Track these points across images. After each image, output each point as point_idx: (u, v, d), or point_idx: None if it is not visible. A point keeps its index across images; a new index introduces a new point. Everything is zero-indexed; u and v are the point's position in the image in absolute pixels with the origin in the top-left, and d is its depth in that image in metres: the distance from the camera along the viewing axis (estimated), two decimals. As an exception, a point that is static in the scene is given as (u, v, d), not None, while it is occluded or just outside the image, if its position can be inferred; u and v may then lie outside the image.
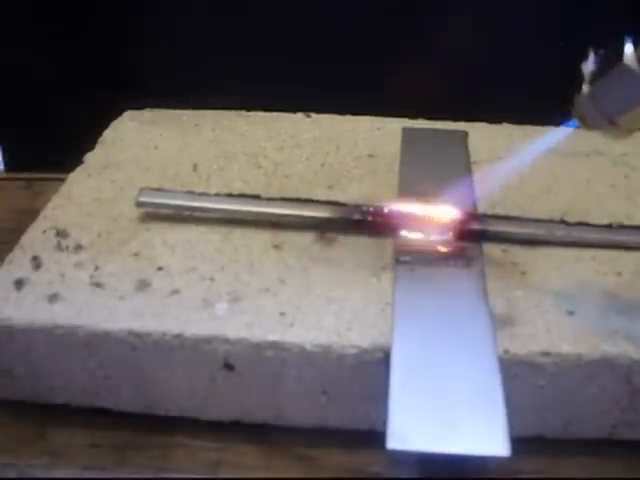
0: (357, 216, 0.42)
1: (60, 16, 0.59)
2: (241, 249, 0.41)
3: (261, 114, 0.56)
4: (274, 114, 0.55)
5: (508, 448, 0.30)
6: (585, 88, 0.34)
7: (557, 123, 0.53)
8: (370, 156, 0.50)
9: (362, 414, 0.37)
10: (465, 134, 0.52)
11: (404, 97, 0.56)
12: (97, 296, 0.38)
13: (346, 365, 0.35)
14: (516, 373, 0.35)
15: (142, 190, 0.44)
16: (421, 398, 0.32)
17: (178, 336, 0.36)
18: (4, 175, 0.63)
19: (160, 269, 0.40)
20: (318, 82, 0.59)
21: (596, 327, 0.36)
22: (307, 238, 0.42)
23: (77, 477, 0.36)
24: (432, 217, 0.41)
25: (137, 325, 0.36)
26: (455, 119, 0.54)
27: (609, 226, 0.43)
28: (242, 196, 0.44)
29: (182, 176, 0.48)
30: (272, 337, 0.35)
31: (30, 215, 0.44)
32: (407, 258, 0.40)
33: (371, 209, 0.43)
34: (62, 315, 0.37)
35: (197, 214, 0.44)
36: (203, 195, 0.44)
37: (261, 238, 0.42)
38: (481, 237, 0.41)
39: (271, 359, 0.35)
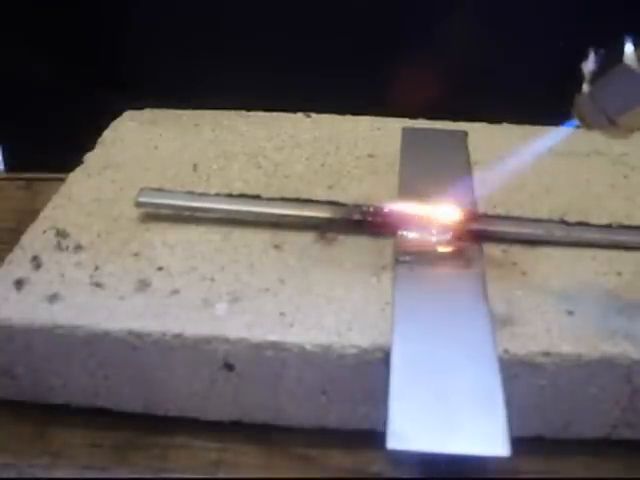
0: (357, 216, 0.42)
1: (60, 16, 0.59)
2: (241, 249, 0.41)
3: (261, 114, 0.56)
4: (274, 114, 0.55)
5: (508, 448, 0.30)
6: (585, 88, 0.34)
7: (557, 123, 0.53)
8: (370, 156, 0.50)
9: (362, 414, 0.37)
10: (465, 134, 0.52)
11: (404, 97, 0.56)
12: (97, 296, 0.38)
13: (346, 365, 0.35)
14: (516, 373, 0.35)
15: (142, 190, 0.44)
16: (421, 398, 0.32)
17: (178, 336, 0.36)
18: (4, 175, 0.63)
19: (160, 269, 0.40)
20: (318, 82, 0.59)
21: (596, 327, 0.36)
22: (307, 238, 0.42)
23: (77, 477, 0.36)
24: (432, 217, 0.41)
25: (137, 325, 0.36)
26: (455, 119, 0.54)
27: (609, 226, 0.43)
28: (242, 196, 0.44)
29: (182, 176, 0.48)
30: (272, 337, 0.35)
31: (30, 215, 0.44)
32: (407, 258, 0.40)
33: (371, 209, 0.43)
34: (62, 315, 0.37)
35: (197, 214, 0.44)
36: (203, 195, 0.44)
37: (261, 238, 0.42)
38: (481, 237, 0.41)
39: (271, 359, 0.35)
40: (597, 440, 0.37)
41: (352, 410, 0.37)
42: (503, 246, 0.41)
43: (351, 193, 0.46)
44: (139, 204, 0.43)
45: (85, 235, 0.42)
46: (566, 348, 0.35)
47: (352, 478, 0.36)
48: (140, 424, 0.38)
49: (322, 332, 0.36)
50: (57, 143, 0.56)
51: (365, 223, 0.42)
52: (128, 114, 0.55)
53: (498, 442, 0.30)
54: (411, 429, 0.31)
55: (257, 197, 0.44)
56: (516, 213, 0.44)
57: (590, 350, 0.35)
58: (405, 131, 0.52)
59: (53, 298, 0.37)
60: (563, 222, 0.43)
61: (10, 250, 0.41)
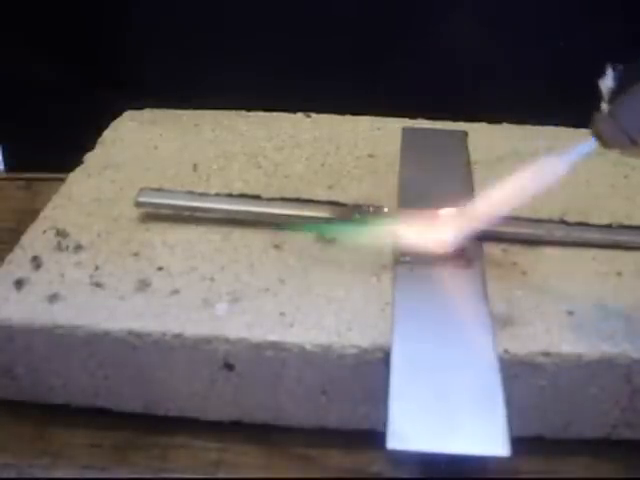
0: (357, 216, 0.42)
1: (60, 16, 0.59)
2: (241, 249, 0.41)
3: (261, 114, 0.55)
4: (274, 114, 0.55)
5: (508, 448, 0.30)
6: (604, 106, 0.33)
7: (557, 123, 0.53)
8: (370, 156, 0.50)
9: (362, 414, 0.37)
10: (465, 134, 0.52)
11: (404, 97, 0.56)
12: (97, 296, 0.38)
13: (346, 365, 0.35)
14: (516, 373, 0.35)
15: (142, 190, 0.44)
16: (421, 398, 0.32)
17: (178, 336, 0.36)
18: (4, 175, 0.63)
19: (160, 269, 0.40)
20: (318, 82, 0.59)
21: (596, 327, 0.36)
22: (307, 238, 0.42)
23: (77, 477, 0.36)
24: (432, 217, 0.41)
25: (137, 325, 0.36)
26: (455, 119, 0.54)
27: (609, 226, 0.43)
28: (242, 196, 0.44)
29: (182, 176, 0.48)
30: (272, 337, 0.35)
31: (30, 215, 0.44)
32: (407, 258, 0.40)
33: (371, 209, 0.43)
34: (62, 315, 0.37)
35: (197, 214, 0.44)
36: (203, 195, 0.44)
37: (261, 238, 0.42)
38: (481, 237, 0.41)
39: (271, 359, 0.35)
40: (597, 440, 0.37)
41: (352, 410, 0.37)
42: (503, 246, 0.41)
43: (351, 193, 0.46)
44: (139, 204, 0.43)
45: (85, 235, 0.42)
46: (566, 348, 0.35)
47: (352, 478, 0.36)
48: (140, 424, 0.38)
49: (322, 332, 0.36)
50: (57, 143, 0.56)
51: (365, 223, 0.42)
52: (128, 114, 0.55)
53: (498, 442, 0.30)
54: (411, 429, 0.31)
55: (257, 197, 0.44)
56: (516, 213, 0.43)
57: (590, 350, 0.35)
58: (405, 131, 0.52)
59: (53, 298, 0.37)
60: (563, 222, 0.43)
61: (10, 250, 0.41)
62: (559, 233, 0.42)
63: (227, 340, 0.35)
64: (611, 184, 0.47)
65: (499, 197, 0.38)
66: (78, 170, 0.49)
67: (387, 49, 0.59)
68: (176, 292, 0.38)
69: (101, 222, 0.43)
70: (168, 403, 0.38)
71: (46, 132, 0.61)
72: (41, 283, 0.39)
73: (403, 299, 0.37)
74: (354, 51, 0.59)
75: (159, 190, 0.45)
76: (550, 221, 0.43)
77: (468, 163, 0.48)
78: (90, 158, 0.50)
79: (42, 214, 0.44)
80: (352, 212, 0.43)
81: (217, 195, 0.45)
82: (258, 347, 0.35)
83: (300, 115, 0.55)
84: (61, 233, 0.42)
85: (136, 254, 0.41)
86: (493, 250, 0.41)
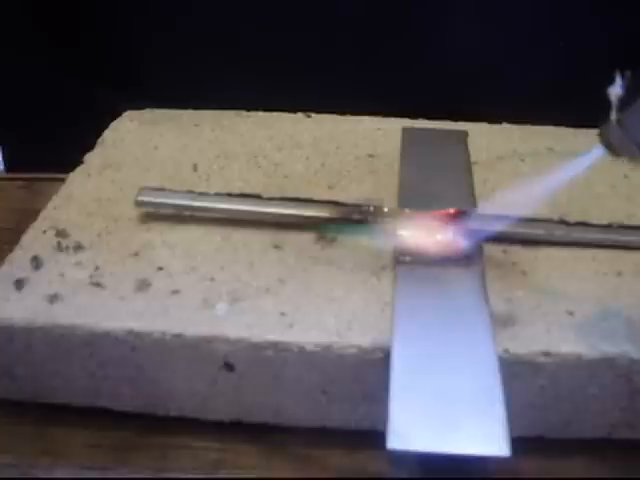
0: (357, 216, 0.42)
1: (60, 16, 0.59)
2: (241, 249, 0.41)
3: (261, 114, 0.55)
4: (274, 114, 0.55)
5: (508, 448, 0.30)
6: (613, 115, 0.33)
7: (557, 123, 0.53)
8: (370, 156, 0.50)
9: (362, 414, 0.37)
10: (465, 134, 0.52)
11: (404, 97, 0.56)
12: (97, 296, 0.38)
13: (346, 365, 0.35)
14: (516, 373, 0.35)
15: (142, 190, 0.44)
16: (421, 398, 0.32)
17: (178, 336, 0.36)
18: (4, 175, 0.63)
19: (160, 269, 0.40)
20: (318, 82, 0.59)
21: (596, 327, 0.36)
22: (307, 238, 0.42)
23: (77, 477, 0.36)
24: (432, 217, 0.41)
25: (137, 325, 0.36)
26: (455, 119, 0.54)
27: (609, 226, 0.43)
28: (242, 196, 0.44)
29: (182, 176, 0.48)
30: (272, 337, 0.35)
31: (30, 215, 0.44)
32: (407, 258, 0.40)
33: (371, 209, 0.43)
34: (62, 315, 0.37)
35: (197, 214, 0.44)
36: (203, 195, 0.44)
37: (261, 238, 0.42)
38: (481, 237, 0.41)
39: (271, 359, 0.35)
40: (597, 440, 0.37)
41: (352, 410, 0.37)
42: (503, 246, 0.41)
43: (351, 193, 0.46)
44: (139, 203, 0.44)
45: (85, 235, 0.42)
46: (566, 348, 0.35)
47: (352, 478, 0.36)
48: (140, 424, 0.38)
49: (322, 332, 0.36)
50: (57, 143, 0.56)
51: (365, 223, 0.42)
52: (128, 114, 0.55)
53: (498, 442, 0.30)
54: (411, 429, 0.30)
55: (257, 197, 0.44)
56: (516, 213, 0.43)
57: (590, 350, 0.35)
58: (405, 131, 0.52)
59: (53, 298, 0.37)
60: (563, 222, 0.43)
61: (10, 250, 0.41)
62: (559, 233, 0.42)
63: (227, 340, 0.35)
64: (611, 184, 0.47)
65: (507, 201, 0.38)
66: (78, 170, 0.49)
67: (387, 49, 0.59)
68: (176, 292, 0.38)
69: (101, 222, 0.43)
70: (168, 403, 0.38)
71: (46, 132, 0.61)
72: (41, 283, 0.39)
73: (403, 299, 0.37)
74: (354, 51, 0.59)
75: (159, 190, 0.45)
76: (550, 221, 0.43)
77: (468, 163, 0.48)
78: (90, 158, 0.50)
79: (42, 214, 0.44)
80: (352, 212, 0.43)
81: (217, 195, 0.45)
82: (258, 347, 0.35)
83: (300, 115, 0.55)
84: (61, 233, 0.42)
85: (136, 254, 0.41)
86: (493, 250, 0.41)
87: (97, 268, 0.40)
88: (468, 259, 0.39)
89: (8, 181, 0.59)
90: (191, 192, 0.45)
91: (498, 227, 0.41)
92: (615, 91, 0.33)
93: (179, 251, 0.41)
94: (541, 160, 0.49)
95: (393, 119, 0.54)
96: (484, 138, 0.52)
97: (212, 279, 0.39)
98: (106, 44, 0.61)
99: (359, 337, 0.35)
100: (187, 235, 0.42)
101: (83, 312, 0.37)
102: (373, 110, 0.54)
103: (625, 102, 0.33)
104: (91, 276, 0.39)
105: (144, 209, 0.44)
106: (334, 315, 0.36)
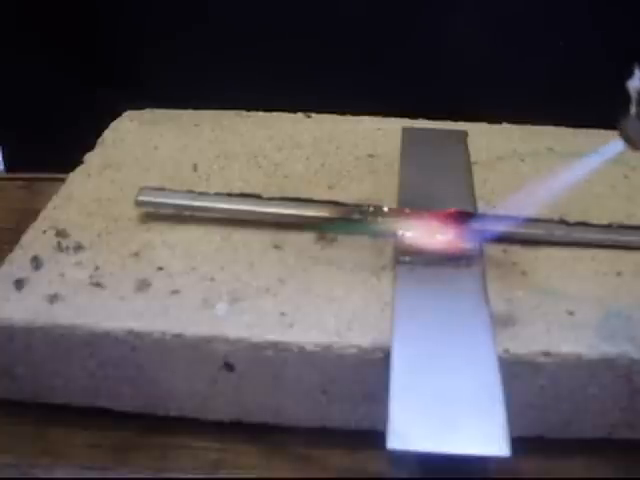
0: (357, 216, 0.42)
1: (60, 16, 0.59)
2: (241, 249, 0.41)
3: (261, 114, 0.55)
4: (274, 114, 0.55)
5: (508, 448, 0.30)
6: (633, 108, 0.33)
7: (557, 123, 0.53)
8: (370, 156, 0.50)
9: (362, 414, 0.37)
10: (465, 134, 0.52)
11: (404, 97, 0.56)
12: (97, 296, 0.38)
13: (346, 365, 0.35)
14: (516, 373, 0.35)
15: (142, 189, 0.44)
16: (421, 398, 0.32)
17: (178, 336, 0.36)
18: (4, 175, 0.63)
19: (160, 269, 0.40)
20: (318, 82, 0.59)
21: (596, 327, 0.36)
22: (307, 238, 0.42)
23: (77, 477, 0.36)
24: (432, 217, 0.41)
25: (137, 325, 0.36)
26: (455, 119, 0.54)
27: (609, 226, 0.43)
28: (242, 196, 0.44)
29: (182, 176, 0.48)
30: (272, 337, 0.35)
31: (30, 215, 0.44)
32: (407, 258, 0.40)
33: (371, 209, 0.43)
34: (62, 315, 0.37)
35: (197, 214, 0.44)
36: (203, 195, 0.44)
37: (261, 238, 0.42)
38: (481, 237, 0.41)
39: (271, 359, 0.35)
40: (597, 440, 0.37)
41: (352, 410, 0.37)
42: (503, 246, 0.41)
43: (351, 193, 0.46)
44: (139, 203, 0.44)
45: (85, 235, 0.42)
46: (566, 348, 0.35)
47: (352, 478, 0.36)
48: (140, 424, 0.38)
49: (322, 332, 0.36)
50: (57, 143, 0.56)
51: (365, 223, 0.42)
52: (128, 114, 0.55)
53: (498, 442, 0.30)
54: (411, 429, 0.30)
55: (257, 197, 0.44)
56: (515, 213, 0.43)
57: (590, 350, 0.35)
58: (405, 131, 0.52)
59: (53, 298, 0.37)
60: (563, 222, 0.43)
61: (10, 250, 0.41)
62: (559, 233, 0.42)
63: (227, 340, 0.35)
64: (611, 184, 0.47)
65: (521, 199, 0.38)
66: (78, 170, 0.49)
67: (387, 49, 0.59)
68: (176, 292, 0.38)
69: (101, 222, 0.43)
70: (168, 403, 0.38)
71: (46, 132, 0.61)
72: (41, 283, 0.39)
73: (403, 299, 0.37)
74: (354, 51, 0.59)
75: (159, 189, 0.45)
76: (550, 221, 0.43)
77: (468, 163, 0.48)
78: (90, 158, 0.50)
79: (42, 214, 0.44)
80: (352, 212, 0.43)
81: (217, 195, 0.45)
82: (258, 347, 0.35)
83: (300, 115, 0.55)
84: (61, 233, 0.42)
85: (136, 254, 0.41)
86: (493, 250, 0.41)
87: (97, 268, 0.40)
88: (468, 259, 0.39)
89: (8, 181, 0.59)
90: (191, 192, 0.45)
91: (498, 227, 0.41)
92: (634, 85, 0.33)
93: (179, 251, 0.41)
94: (541, 160, 0.49)
95: (393, 119, 0.54)
96: (484, 138, 0.52)
97: (212, 279, 0.39)
98: (106, 44, 0.61)
99: (359, 337, 0.35)
100: (187, 235, 0.42)
101: (83, 312, 0.37)
102: (373, 110, 0.54)
103: None
104: (91, 276, 0.39)
105: (144, 209, 0.44)
106: (334, 315, 0.36)
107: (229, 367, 0.36)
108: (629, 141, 0.34)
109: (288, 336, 0.35)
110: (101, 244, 0.42)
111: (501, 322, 0.36)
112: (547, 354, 0.34)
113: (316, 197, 0.45)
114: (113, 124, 0.54)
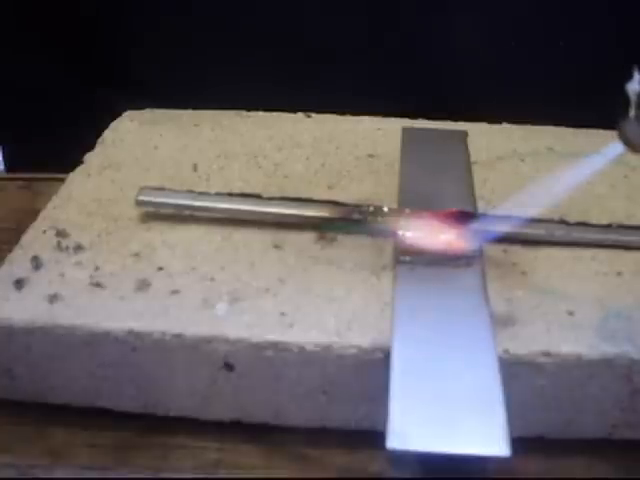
0: (357, 216, 0.42)
1: (60, 16, 0.59)
2: (241, 249, 0.41)
3: (261, 114, 0.55)
4: (274, 114, 0.55)
5: (508, 448, 0.30)
6: (632, 111, 0.33)
7: (557, 123, 0.53)
8: (370, 156, 0.50)
9: (362, 414, 0.37)
10: (465, 134, 0.52)
11: (404, 97, 0.56)
12: (97, 296, 0.38)
13: (346, 365, 0.35)
14: (516, 373, 0.35)
15: (142, 189, 0.44)
16: (421, 398, 0.32)
17: (178, 336, 0.36)
18: (4, 175, 0.63)
19: (160, 269, 0.40)
20: (318, 82, 0.59)
21: (596, 327, 0.36)
22: (307, 238, 0.42)
23: (77, 477, 0.36)
24: (432, 217, 0.41)
25: (137, 325, 0.36)
26: (455, 119, 0.54)
27: (609, 226, 0.43)
28: (242, 196, 0.44)
29: (182, 176, 0.48)
30: (272, 337, 0.35)
31: (30, 215, 0.44)
32: (407, 258, 0.40)
33: (371, 209, 0.43)
34: (62, 315, 0.37)
35: (197, 214, 0.44)
36: (203, 194, 0.44)
37: (261, 238, 0.42)
38: (481, 237, 0.41)
39: (271, 359, 0.35)
40: (597, 440, 0.37)
41: (352, 410, 0.37)
42: (503, 246, 0.41)
43: (351, 193, 0.46)
44: (139, 203, 0.44)
45: (85, 235, 0.42)
46: (566, 348, 0.35)
47: (352, 478, 0.36)
48: (140, 424, 0.38)
49: (322, 332, 0.36)
50: (57, 143, 0.56)
51: (365, 223, 0.42)
52: (128, 114, 0.55)
53: (498, 442, 0.30)
54: (411, 429, 0.30)
55: (257, 197, 0.44)
56: (516, 213, 0.43)
57: (590, 350, 0.35)
58: (405, 131, 0.52)
59: (53, 298, 0.37)
60: (563, 222, 0.43)
61: (10, 250, 0.41)
62: (559, 233, 0.42)
63: (227, 340, 0.35)
64: (611, 184, 0.47)
65: (521, 199, 0.38)
66: (78, 170, 0.49)
67: (387, 49, 0.59)
68: (176, 292, 0.38)
69: (101, 222, 0.43)
70: (168, 403, 0.38)
71: (46, 132, 0.60)
72: (41, 283, 0.39)
73: (403, 299, 0.37)
74: (354, 51, 0.59)
75: (160, 189, 0.45)
76: (550, 221, 0.43)
77: (468, 163, 0.48)
78: (90, 158, 0.50)
79: (42, 214, 0.44)
80: (352, 212, 0.43)
81: (217, 195, 0.45)
82: (258, 347, 0.35)
83: (300, 115, 0.55)
84: (61, 233, 0.42)
85: (136, 254, 0.41)
86: (493, 250, 0.41)
87: (97, 268, 0.40)
88: (468, 259, 0.39)
89: (8, 181, 0.59)
90: (191, 192, 0.45)
91: (498, 227, 0.41)
92: (634, 88, 0.33)
93: (179, 251, 0.41)
94: (541, 160, 0.50)
95: (393, 119, 0.54)
96: (484, 138, 0.52)
97: (212, 279, 0.39)
98: (106, 44, 0.61)
99: (359, 337, 0.35)
100: (187, 235, 0.42)
101: (83, 312, 0.37)
102: (373, 110, 0.54)
103: None
104: (91, 276, 0.39)
105: (144, 209, 0.44)
106: (334, 315, 0.36)
107: (229, 367, 0.36)
108: (628, 144, 0.33)
109: (288, 336, 0.35)
110: (101, 244, 0.42)
111: (501, 322, 0.36)
112: (547, 354, 0.34)
113: (316, 197, 0.45)
114: (113, 124, 0.54)
